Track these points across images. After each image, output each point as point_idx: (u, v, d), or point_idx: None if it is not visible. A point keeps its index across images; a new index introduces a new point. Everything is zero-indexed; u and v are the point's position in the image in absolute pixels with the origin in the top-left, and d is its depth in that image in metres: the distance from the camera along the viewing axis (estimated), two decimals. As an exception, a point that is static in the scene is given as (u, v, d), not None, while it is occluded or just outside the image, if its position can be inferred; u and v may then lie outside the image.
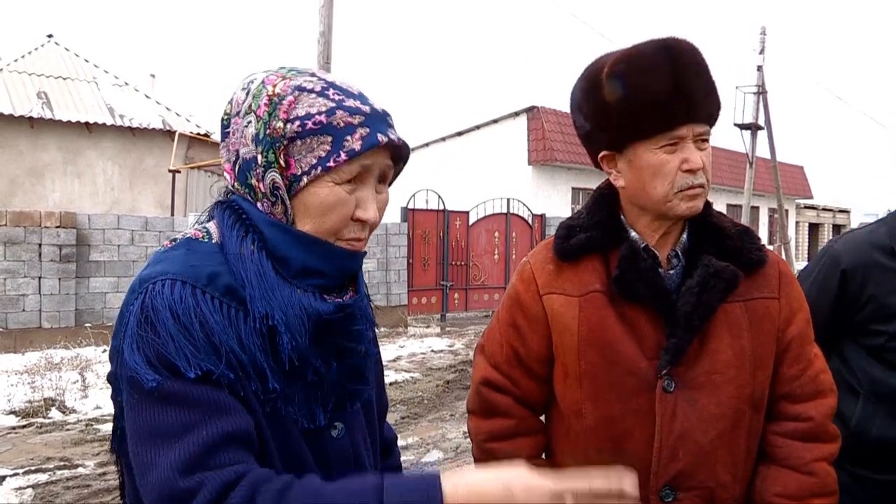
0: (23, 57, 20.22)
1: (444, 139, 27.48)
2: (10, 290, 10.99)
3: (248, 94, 1.23)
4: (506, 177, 23.75)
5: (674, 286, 1.66)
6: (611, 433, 1.63)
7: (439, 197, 16.49)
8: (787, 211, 27.19)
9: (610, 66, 1.61)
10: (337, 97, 1.20)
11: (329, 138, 1.17)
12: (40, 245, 11.18)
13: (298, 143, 1.17)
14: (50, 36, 21.49)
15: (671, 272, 1.69)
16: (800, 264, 33.40)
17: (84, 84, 20.13)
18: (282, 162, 1.18)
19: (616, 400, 1.62)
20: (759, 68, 21.89)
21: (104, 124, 18.78)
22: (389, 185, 1.31)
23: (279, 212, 1.21)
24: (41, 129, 18.11)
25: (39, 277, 11.17)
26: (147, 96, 21.00)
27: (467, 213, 16.93)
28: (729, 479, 1.63)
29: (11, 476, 5.87)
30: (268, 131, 1.18)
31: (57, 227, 11.30)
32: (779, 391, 1.70)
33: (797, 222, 40.21)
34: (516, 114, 24.63)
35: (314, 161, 1.17)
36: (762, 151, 23.67)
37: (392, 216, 16.62)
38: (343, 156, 1.17)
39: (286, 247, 1.19)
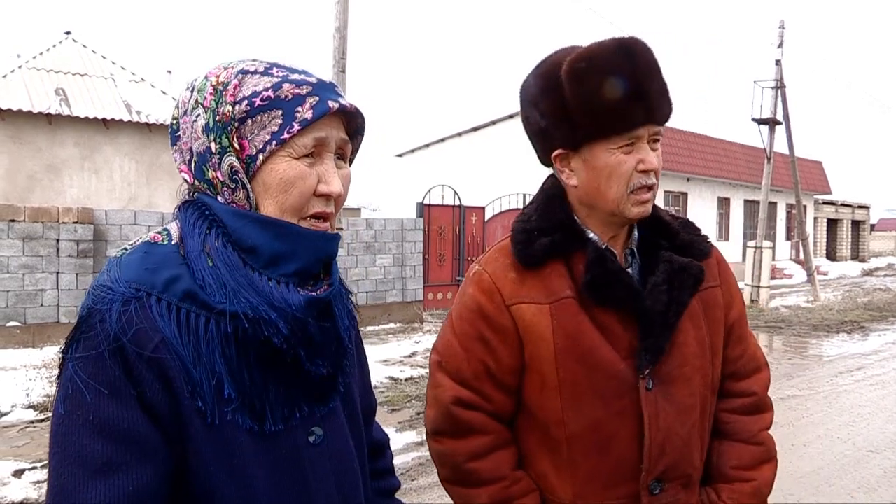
0: (41, 54, 20.36)
1: (459, 135, 27.47)
2: (29, 286, 11.06)
3: (192, 91, 1.21)
4: (522, 172, 23.68)
5: (636, 284, 1.66)
6: (596, 437, 1.62)
7: (455, 192, 16.48)
8: (805, 206, 27.01)
9: (570, 65, 1.59)
10: (281, 74, 1.19)
11: (279, 112, 1.15)
12: (58, 240, 11.24)
13: (249, 122, 1.15)
14: (68, 33, 21.62)
15: (628, 270, 1.69)
16: (818, 261, 33.19)
17: (101, 80, 20.24)
18: (236, 145, 1.16)
19: (599, 405, 1.61)
20: (778, 63, 21.67)
21: (121, 120, 18.90)
22: (350, 162, 1.29)
23: (241, 198, 1.17)
24: (59, 125, 18.24)
25: (57, 272, 11.24)
26: (164, 92, 21.11)
27: (483, 208, 16.93)
28: (699, 462, 1.71)
29: (30, 469, 5.91)
30: (217, 118, 1.16)
31: (74, 222, 11.36)
32: (725, 371, 1.78)
33: (815, 218, 39.92)
34: (532, 109, 24.54)
35: (268, 137, 1.15)
36: (780, 146, 23.48)
37: (408, 211, 16.62)
38: (296, 126, 1.15)
39: (253, 235, 1.15)
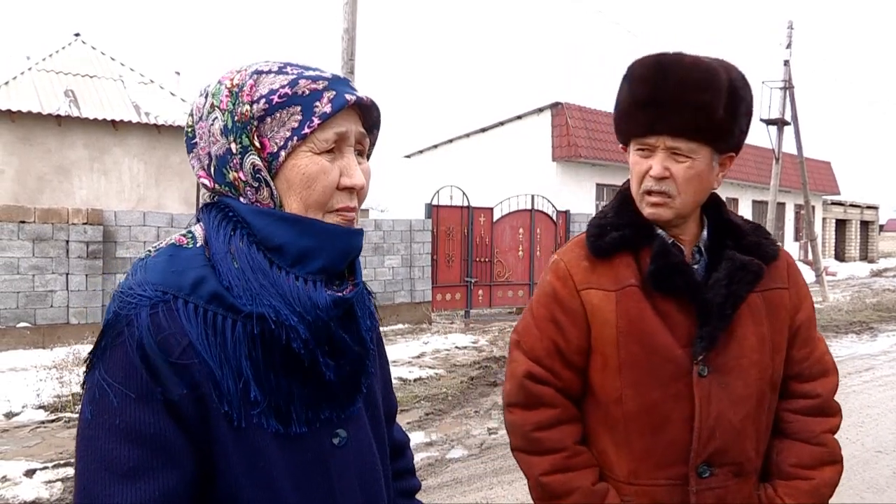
0: (50, 56, 20.44)
1: (468, 135, 27.45)
2: (39, 287, 11.11)
3: (206, 96, 1.22)
4: (530, 173, 23.69)
5: (699, 279, 1.77)
6: (651, 418, 1.73)
7: (463, 193, 16.47)
8: (813, 207, 26.91)
9: (624, 73, 1.78)
10: (295, 71, 1.19)
11: (298, 108, 1.15)
12: (68, 242, 11.30)
13: (268, 120, 1.16)
14: (77, 35, 21.70)
15: (695, 266, 1.81)
16: (826, 261, 33.06)
17: (110, 82, 20.32)
18: (256, 143, 1.16)
19: (656, 386, 1.72)
20: (786, 63, 21.65)
21: (130, 122, 18.96)
22: (368, 156, 1.29)
23: (265, 197, 1.17)
24: (68, 126, 18.32)
25: (67, 274, 11.29)
26: (172, 94, 21.17)
27: (491, 209, 16.89)
28: (753, 454, 1.77)
29: (41, 469, 5.94)
30: (235, 118, 1.16)
31: (84, 223, 11.42)
32: (789, 371, 1.85)
33: (824, 218, 39.79)
34: (540, 110, 24.54)
35: (288, 133, 1.15)
36: (789, 147, 23.44)
37: (416, 212, 16.62)
38: (316, 120, 1.15)
39: (278, 234, 1.15)
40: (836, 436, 1.86)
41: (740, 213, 32.38)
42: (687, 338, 1.72)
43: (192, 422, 1.09)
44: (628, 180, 1.87)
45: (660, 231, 1.79)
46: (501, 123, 26.08)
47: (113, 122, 18.73)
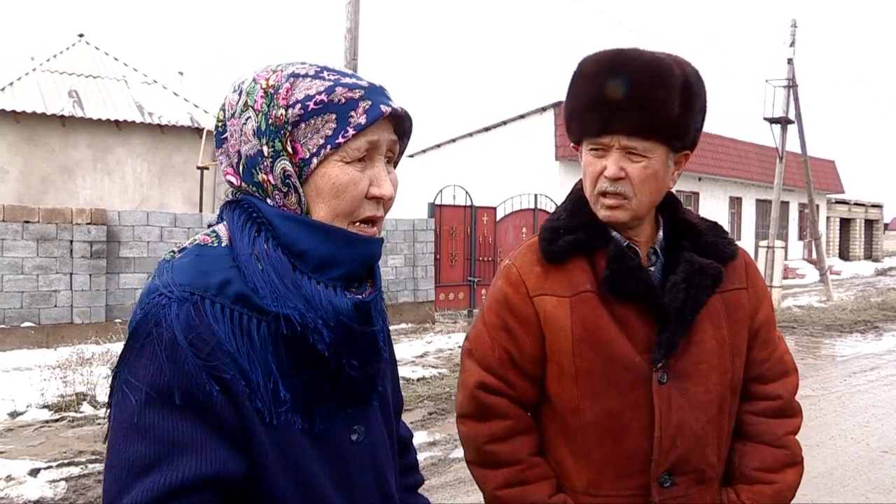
0: (54, 56, 20.48)
1: (470, 135, 27.45)
2: (43, 286, 11.12)
3: (240, 93, 1.21)
4: (533, 172, 23.68)
5: (656, 282, 1.73)
6: (610, 427, 1.68)
7: (466, 193, 16.45)
8: (817, 206, 26.85)
9: (574, 70, 1.74)
10: (332, 77, 1.19)
11: (333, 116, 1.15)
12: (71, 241, 11.30)
13: (303, 126, 1.16)
14: (81, 35, 21.74)
15: (651, 269, 1.76)
16: (831, 260, 33.00)
17: (114, 82, 20.34)
18: (289, 148, 1.16)
19: (614, 395, 1.67)
20: (790, 61, 21.56)
21: (133, 122, 18.99)
22: (395, 163, 1.30)
23: (293, 202, 1.18)
24: (72, 127, 18.35)
25: (71, 273, 11.30)
26: (175, 94, 21.19)
27: (494, 208, 16.88)
28: (715, 460, 1.73)
29: (45, 469, 5.94)
30: (269, 121, 1.16)
31: (88, 223, 11.42)
32: (750, 373, 1.81)
33: (828, 217, 39.72)
34: (543, 109, 24.54)
35: (322, 141, 1.15)
36: (792, 146, 23.36)
37: (419, 212, 16.61)
38: (351, 131, 1.15)
39: (303, 240, 1.16)
40: (798, 436, 1.83)
41: (744, 211, 32.24)
42: (645, 344, 1.67)
43: (227, 420, 1.09)
44: (581, 180, 1.81)
45: (615, 234, 1.74)
46: (504, 123, 26.07)
47: (116, 122, 18.75)
